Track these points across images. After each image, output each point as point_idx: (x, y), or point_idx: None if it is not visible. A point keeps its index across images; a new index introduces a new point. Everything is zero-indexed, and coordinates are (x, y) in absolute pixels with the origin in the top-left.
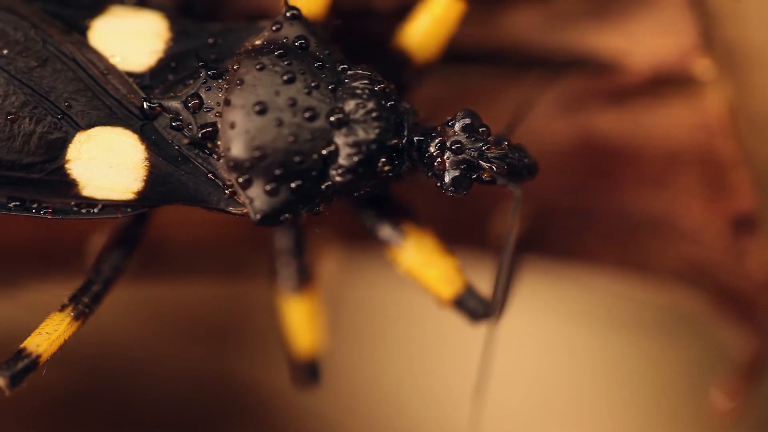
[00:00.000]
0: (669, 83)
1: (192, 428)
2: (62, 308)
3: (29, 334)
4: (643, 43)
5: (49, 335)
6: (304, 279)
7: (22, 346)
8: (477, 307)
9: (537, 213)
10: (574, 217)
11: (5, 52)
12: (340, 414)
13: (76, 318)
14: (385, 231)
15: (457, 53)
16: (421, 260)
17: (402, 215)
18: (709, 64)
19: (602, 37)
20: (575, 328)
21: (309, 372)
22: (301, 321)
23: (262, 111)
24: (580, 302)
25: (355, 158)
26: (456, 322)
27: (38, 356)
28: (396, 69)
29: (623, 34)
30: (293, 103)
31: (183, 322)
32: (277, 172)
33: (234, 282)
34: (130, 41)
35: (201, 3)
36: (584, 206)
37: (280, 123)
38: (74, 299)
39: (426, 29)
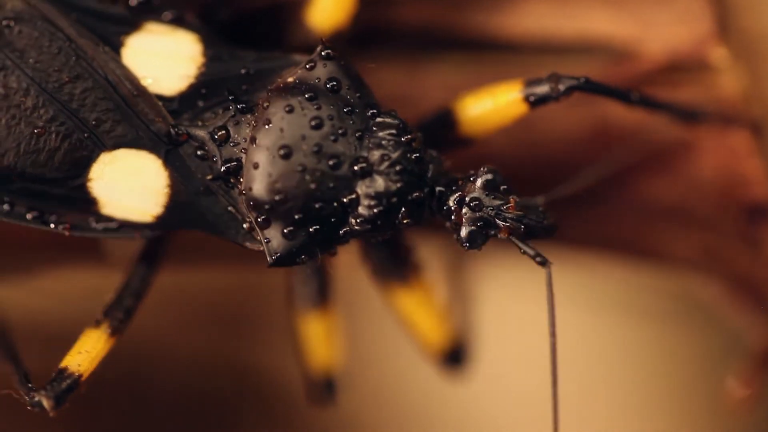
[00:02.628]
0: (684, 71)
1: (204, 415)
2: (97, 324)
3: (41, 321)
4: (659, 31)
5: (88, 353)
6: (323, 296)
7: (62, 365)
8: (459, 357)
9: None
10: (588, 205)
11: (39, 64)
12: (352, 400)
13: (112, 334)
14: (387, 270)
15: (472, 40)
16: (415, 305)
17: (406, 260)
18: (724, 53)
19: (617, 25)
20: (589, 315)
21: (325, 389)
22: (318, 338)
23: (287, 155)
24: (593, 290)
25: (375, 210)
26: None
27: (80, 375)
28: (441, 125)
29: (638, 22)
30: (318, 150)
31: (196, 309)
32: (297, 216)
33: (247, 269)
34: (162, 63)
35: (223, 8)
36: (599, 194)
37: (303, 169)
38: (108, 315)
39: (484, 111)
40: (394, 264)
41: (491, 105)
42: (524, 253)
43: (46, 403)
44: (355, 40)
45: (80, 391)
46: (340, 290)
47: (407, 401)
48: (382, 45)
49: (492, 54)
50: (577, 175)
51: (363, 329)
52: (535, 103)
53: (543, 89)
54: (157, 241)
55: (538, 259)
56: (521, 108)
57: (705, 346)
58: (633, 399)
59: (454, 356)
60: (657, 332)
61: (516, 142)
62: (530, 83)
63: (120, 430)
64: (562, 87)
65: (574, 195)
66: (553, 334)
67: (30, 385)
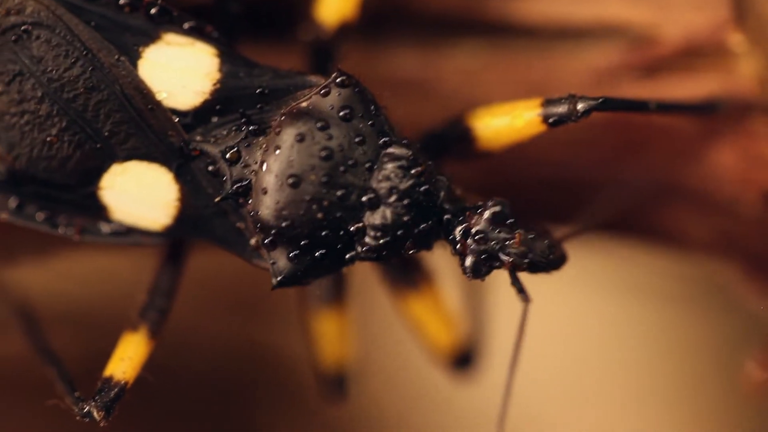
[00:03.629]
0: (701, 56)
1: (222, 398)
2: (135, 328)
3: (60, 302)
4: (676, 16)
5: (131, 359)
6: (337, 293)
7: (107, 375)
8: (468, 361)
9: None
10: (605, 189)
11: (55, 73)
12: (365, 392)
13: (151, 337)
14: (396, 277)
15: (487, 26)
16: (425, 311)
17: (414, 265)
18: (741, 38)
19: (635, 10)
20: (606, 299)
21: (336, 386)
22: (331, 335)
23: (295, 184)
24: (611, 274)
25: (381, 240)
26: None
27: (125, 383)
28: (457, 139)
29: (656, 7)
30: (327, 181)
31: (213, 293)
32: (303, 242)
33: None
34: (178, 78)
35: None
36: (616, 179)
37: (311, 198)
38: (144, 317)
39: (501, 129)
40: (405, 271)
41: (509, 124)
42: (512, 285)
43: (96, 414)
44: (371, 25)
45: (126, 398)
46: (354, 285)
47: (420, 395)
48: (399, 30)
49: (509, 39)
50: (601, 203)
51: (376, 325)
52: (554, 124)
53: (561, 110)
54: (180, 242)
55: (521, 294)
56: (539, 128)
57: (723, 330)
58: (651, 382)
59: (463, 360)
60: (675, 316)
61: None
62: (548, 103)
63: (137, 412)
64: (580, 108)
65: (591, 182)
66: (512, 367)
67: (77, 394)
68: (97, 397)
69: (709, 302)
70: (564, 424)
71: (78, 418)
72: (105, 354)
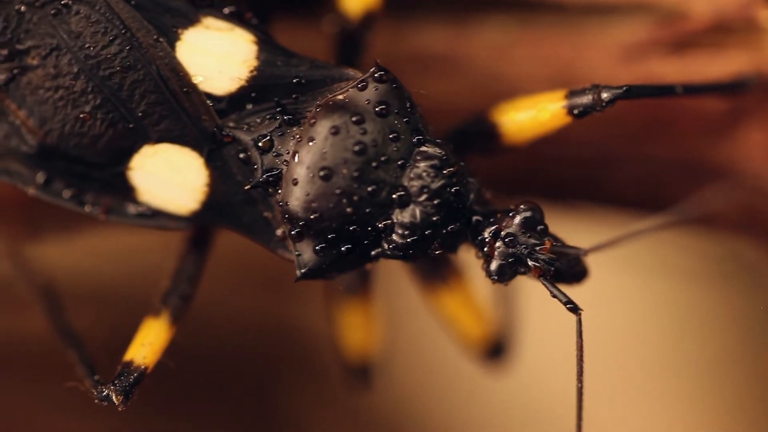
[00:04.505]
0: (730, 33)
1: (248, 374)
2: (156, 314)
3: (85, 278)
4: None
5: (152, 345)
6: (363, 283)
7: (127, 359)
8: (500, 352)
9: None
10: (633, 166)
11: (92, 49)
12: (394, 363)
13: (173, 323)
14: (426, 272)
15: (516, 1)
16: (456, 304)
17: (443, 260)
18: None
19: None
20: (634, 277)
21: (360, 375)
22: (356, 325)
23: (327, 177)
24: (638, 252)
25: (409, 239)
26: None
27: (145, 368)
28: (482, 136)
29: None
30: (359, 175)
31: (240, 269)
32: (330, 236)
33: None
34: (215, 63)
35: None
36: (644, 156)
37: (341, 192)
38: (166, 303)
39: (526, 123)
40: (434, 266)
41: (534, 117)
42: (554, 297)
43: (115, 399)
44: (400, 1)
45: (145, 382)
46: (379, 273)
47: (446, 382)
48: (428, 5)
49: (538, 14)
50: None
51: (401, 313)
52: (579, 115)
53: (586, 100)
54: (205, 228)
55: (569, 306)
56: (565, 120)
57: (749, 308)
58: (677, 360)
59: (495, 351)
60: (701, 294)
61: None
62: (572, 94)
63: (163, 388)
64: (605, 97)
65: (619, 159)
66: (580, 381)
67: (97, 378)
68: (116, 381)
69: (736, 280)
70: (591, 400)
71: (96, 401)
72: (129, 333)
